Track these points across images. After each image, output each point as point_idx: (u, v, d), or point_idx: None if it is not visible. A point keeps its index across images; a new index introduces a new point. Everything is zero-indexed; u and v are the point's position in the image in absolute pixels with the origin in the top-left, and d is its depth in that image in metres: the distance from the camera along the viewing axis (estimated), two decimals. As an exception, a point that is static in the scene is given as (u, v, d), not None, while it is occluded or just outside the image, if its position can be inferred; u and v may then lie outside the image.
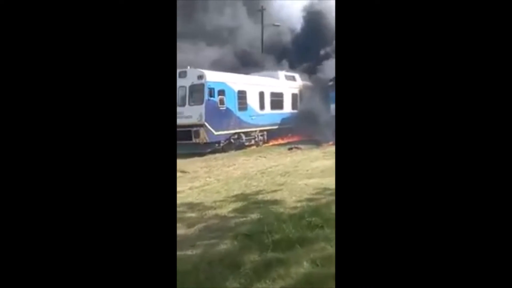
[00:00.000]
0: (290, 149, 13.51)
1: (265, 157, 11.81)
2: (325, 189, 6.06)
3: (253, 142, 14.80)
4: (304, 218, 4.23)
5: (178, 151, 13.04)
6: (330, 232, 3.72)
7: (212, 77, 12.75)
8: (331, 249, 3.29)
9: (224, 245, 3.56)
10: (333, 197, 5.48)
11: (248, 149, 14.36)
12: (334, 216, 4.31)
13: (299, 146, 14.20)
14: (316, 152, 12.24)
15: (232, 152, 13.30)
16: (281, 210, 4.90)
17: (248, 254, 3.32)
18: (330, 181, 6.63)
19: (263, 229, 3.96)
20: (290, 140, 16.48)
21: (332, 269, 2.90)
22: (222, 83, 13.07)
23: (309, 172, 7.99)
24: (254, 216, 4.61)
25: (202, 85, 12.16)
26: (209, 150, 12.62)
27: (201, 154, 12.33)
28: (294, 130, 16.62)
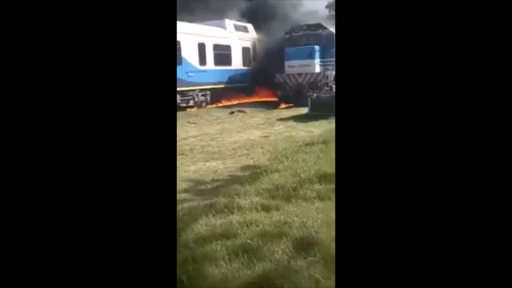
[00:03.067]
0: (231, 113, 11.58)
1: (194, 123, 9.90)
2: (201, 182, 4.24)
3: (191, 103, 12.71)
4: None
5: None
6: None
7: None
8: None
9: None
10: (199, 202, 3.76)
11: (186, 111, 12.33)
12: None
13: (245, 109, 12.28)
14: (258, 118, 10.40)
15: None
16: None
17: None
18: (229, 166, 4.86)
19: None
20: (242, 101, 14.51)
21: None
22: (145, 30, 10.67)
23: (218, 149, 6.17)
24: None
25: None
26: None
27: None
28: (246, 90, 14.59)
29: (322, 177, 4.04)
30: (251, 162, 5.08)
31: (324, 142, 6.18)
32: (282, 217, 3.03)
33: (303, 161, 4.86)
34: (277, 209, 3.24)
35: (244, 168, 4.79)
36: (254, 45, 15.02)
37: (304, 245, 2.45)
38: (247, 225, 2.92)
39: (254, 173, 4.40)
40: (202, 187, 4.04)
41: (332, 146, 5.82)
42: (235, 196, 3.59)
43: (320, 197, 3.50)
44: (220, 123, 9.72)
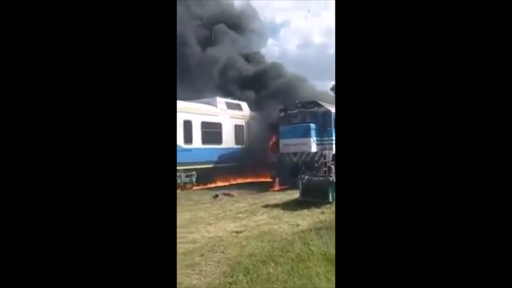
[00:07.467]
0: (215, 196, 10.22)
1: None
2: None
3: (174, 185, 11.47)
4: None
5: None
6: None
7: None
8: None
9: None
10: None
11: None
12: None
13: (233, 192, 10.93)
14: (243, 203, 9.00)
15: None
16: None
17: None
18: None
19: None
20: (234, 182, 13.26)
21: None
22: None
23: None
24: None
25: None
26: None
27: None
28: (239, 170, 13.40)
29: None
30: (194, 281, 3.57)
31: (307, 242, 4.70)
32: None
33: (268, 279, 3.36)
34: None
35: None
36: (248, 124, 14.23)
37: None
38: None
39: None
40: None
41: (318, 247, 4.34)
42: None
43: None
44: (195, 210, 8.30)
